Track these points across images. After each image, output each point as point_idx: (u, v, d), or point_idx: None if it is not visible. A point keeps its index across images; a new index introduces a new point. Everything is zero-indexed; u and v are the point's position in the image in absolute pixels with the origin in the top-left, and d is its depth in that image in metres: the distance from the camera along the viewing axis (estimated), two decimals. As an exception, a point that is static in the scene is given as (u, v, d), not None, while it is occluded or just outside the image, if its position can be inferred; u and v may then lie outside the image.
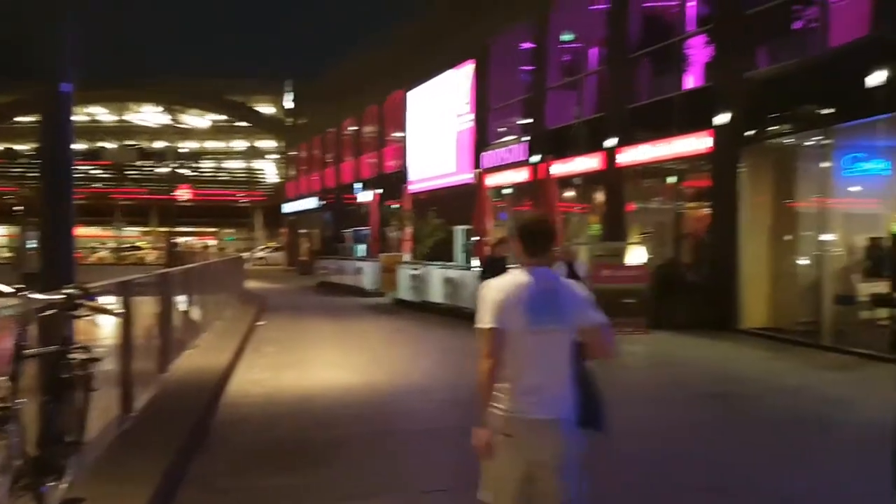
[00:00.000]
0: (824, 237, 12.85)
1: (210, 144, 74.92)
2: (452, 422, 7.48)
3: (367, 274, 24.28)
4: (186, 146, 71.20)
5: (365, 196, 33.84)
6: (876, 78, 11.06)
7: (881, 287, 12.42)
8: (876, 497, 5.27)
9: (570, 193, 21.42)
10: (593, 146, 19.07)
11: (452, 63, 26.86)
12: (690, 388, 9.36)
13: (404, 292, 20.91)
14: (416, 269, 20.56)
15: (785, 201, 14.40)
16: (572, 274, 10.73)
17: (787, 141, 14.04)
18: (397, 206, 27.01)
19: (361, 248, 30.50)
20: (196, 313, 11.60)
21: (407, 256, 23.24)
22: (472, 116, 25.86)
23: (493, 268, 10.54)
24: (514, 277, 3.45)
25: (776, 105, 13.78)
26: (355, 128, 39.96)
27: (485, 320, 3.33)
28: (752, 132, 14.25)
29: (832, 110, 12.38)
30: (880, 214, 13.22)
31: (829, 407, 8.35)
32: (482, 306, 3.38)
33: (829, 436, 7.16)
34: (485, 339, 3.32)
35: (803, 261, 13.87)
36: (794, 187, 14.15)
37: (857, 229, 13.47)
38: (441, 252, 23.35)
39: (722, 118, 14.74)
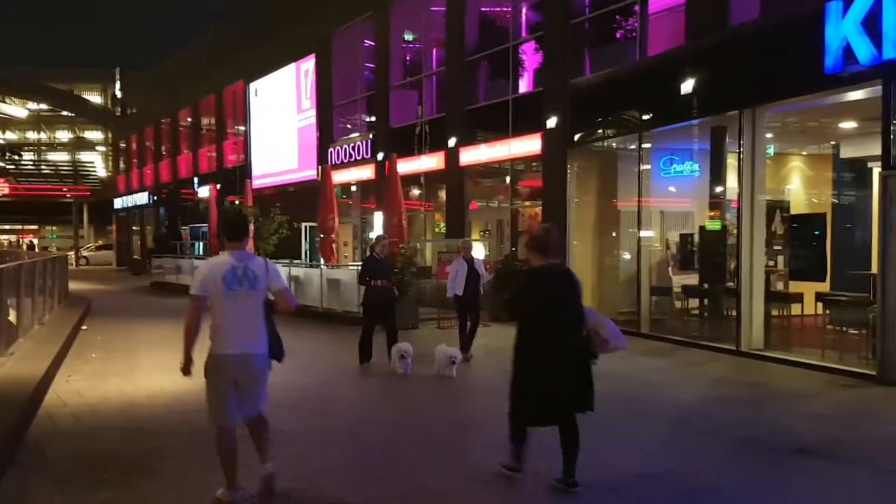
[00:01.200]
0: (643, 234, 13.90)
1: (32, 135, 68.66)
2: (288, 425, 7.42)
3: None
4: (4, 137, 64.88)
5: (204, 191, 32.48)
6: (688, 86, 12.14)
7: (691, 279, 13.71)
8: (675, 470, 5.87)
9: (416, 191, 21.75)
10: (436, 145, 19.52)
11: (294, 56, 26.39)
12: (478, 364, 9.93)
13: (247, 291, 20.27)
14: (258, 267, 19.98)
15: (608, 200, 15.46)
16: (471, 267, 10.74)
17: (609, 144, 15.07)
18: (238, 202, 26.14)
19: (200, 246, 29.26)
20: (11, 318, 10.69)
21: (249, 254, 22.61)
22: (315, 112, 25.58)
23: (372, 267, 10.59)
24: (220, 258, 5.10)
25: (600, 110, 14.74)
26: (192, 119, 38.20)
27: (193, 289, 5.01)
28: (579, 135, 15.17)
29: (649, 115, 13.45)
30: (692, 212, 14.52)
31: (642, 390, 9.07)
32: (194, 280, 5.07)
33: (639, 416, 7.80)
34: (191, 302, 5.02)
35: (625, 255, 14.97)
36: (616, 187, 15.20)
37: (672, 226, 14.71)
38: (286, 250, 22.95)
39: (551, 122, 15.58)
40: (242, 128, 31.90)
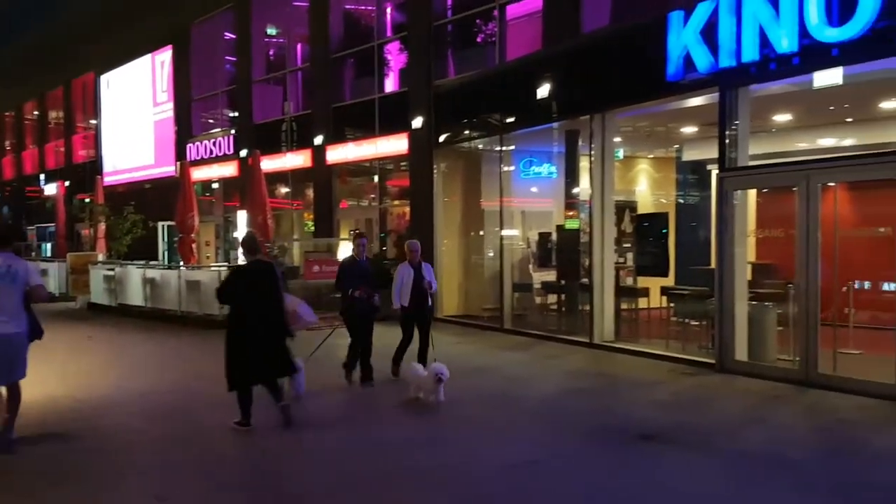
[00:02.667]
0: (506, 232, 14.32)
1: None
2: (136, 435, 7.10)
3: (54, 276, 21.70)
4: None
5: (51, 188, 30.24)
6: (544, 90, 12.60)
7: (551, 276, 14.28)
8: (536, 460, 6.10)
9: (283, 189, 21.28)
10: (303, 143, 19.18)
11: (149, 47, 25.10)
12: (389, 375, 9.87)
13: (99, 295, 19.12)
14: (111, 269, 18.89)
15: (473, 200, 15.80)
16: (418, 273, 9.29)
17: (473, 145, 15.40)
18: (89, 199, 24.56)
19: (48, 248, 27.23)
20: None
21: (101, 256, 21.36)
22: (172, 105, 24.45)
23: (351, 272, 9.08)
24: None
25: (463, 111, 15.04)
26: (39, 112, 35.46)
27: None
28: (444, 136, 15.41)
29: (509, 118, 13.85)
30: (551, 212, 15.11)
31: (506, 383, 9.36)
32: None
33: (503, 408, 8.04)
34: None
35: (489, 254, 15.36)
36: (480, 188, 15.56)
37: (532, 225, 15.25)
38: (142, 250, 21.82)
39: (417, 122, 15.71)
40: (94, 121, 29.96)
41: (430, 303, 9.46)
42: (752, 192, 11.33)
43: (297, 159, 19.42)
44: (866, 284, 10.10)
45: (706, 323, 10.65)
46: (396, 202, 17.94)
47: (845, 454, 6.25)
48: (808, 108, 11.48)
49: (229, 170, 21.97)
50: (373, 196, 18.66)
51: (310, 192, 19.87)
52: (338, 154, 18.18)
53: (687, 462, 6.09)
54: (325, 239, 18.22)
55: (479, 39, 14.44)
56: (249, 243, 7.41)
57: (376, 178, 18.22)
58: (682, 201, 15.99)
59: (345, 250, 16.86)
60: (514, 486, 5.55)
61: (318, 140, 18.57)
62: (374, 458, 6.25)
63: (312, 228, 19.85)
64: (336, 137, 18.22)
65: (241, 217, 19.40)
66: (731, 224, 9.67)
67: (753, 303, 10.00)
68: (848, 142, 12.29)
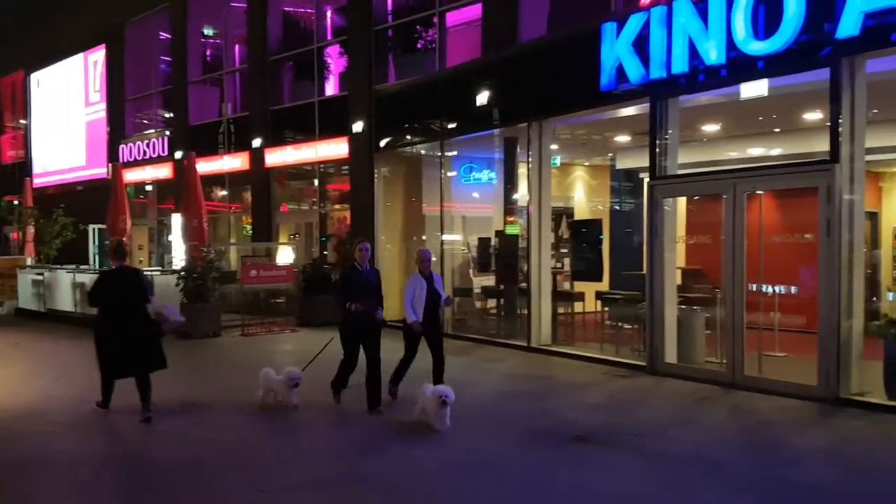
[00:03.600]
0: (446, 237, 14.40)
1: None
2: (69, 446, 6.88)
3: (-22, 281, 20.77)
4: None
5: (-26, 190, 28.99)
6: (483, 97, 12.72)
7: (490, 280, 14.42)
8: (469, 462, 6.15)
9: (220, 192, 20.91)
10: (240, 145, 18.89)
11: (82, 46, 24.35)
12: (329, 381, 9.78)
13: (27, 301, 18.42)
14: (40, 273, 18.22)
15: (415, 205, 15.82)
16: (430, 284, 8.21)
17: (414, 150, 15.43)
18: (18, 202, 23.64)
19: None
20: None
21: (30, 260, 20.60)
22: (105, 106, 23.77)
23: (353, 282, 7.92)
24: None
25: (404, 116, 15.07)
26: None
27: None
28: (385, 141, 15.40)
29: (450, 124, 13.94)
30: (491, 217, 15.25)
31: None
32: None
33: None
34: None
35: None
36: (421, 192, 15.60)
37: (473, 230, 15.37)
38: (72, 254, 21.13)
39: (357, 126, 15.66)
40: (24, 121, 28.89)
41: (441, 318, 8.62)
42: (683, 200, 11.67)
43: (234, 162, 19.11)
44: (793, 289, 10.50)
45: (638, 326, 10.91)
46: (337, 206, 17.82)
47: (767, 454, 6.49)
48: (737, 118, 11.90)
49: (164, 172, 21.47)
50: (313, 200, 18.49)
51: (248, 196, 19.57)
52: (277, 157, 17.96)
53: (616, 463, 6.23)
54: (264, 243, 17.98)
55: (419, 45, 14.50)
56: (117, 250, 8.01)
57: (316, 182, 18.07)
58: (617, 208, 16.37)
59: (284, 255, 16.69)
60: (448, 488, 5.59)
61: (257, 143, 18.31)
62: (310, 464, 6.21)
63: (250, 232, 19.55)
64: (275, 140, 18.01)
65: (176, 220, 18.95)
66: (661, 230, 9.94)
67: (683, 307, 10.30)
68: (775, 151, 12.78)
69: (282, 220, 19.16)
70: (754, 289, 9.72)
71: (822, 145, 8.26)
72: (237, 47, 20.34)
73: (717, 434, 7.18)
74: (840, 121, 7.96)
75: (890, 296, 11.76)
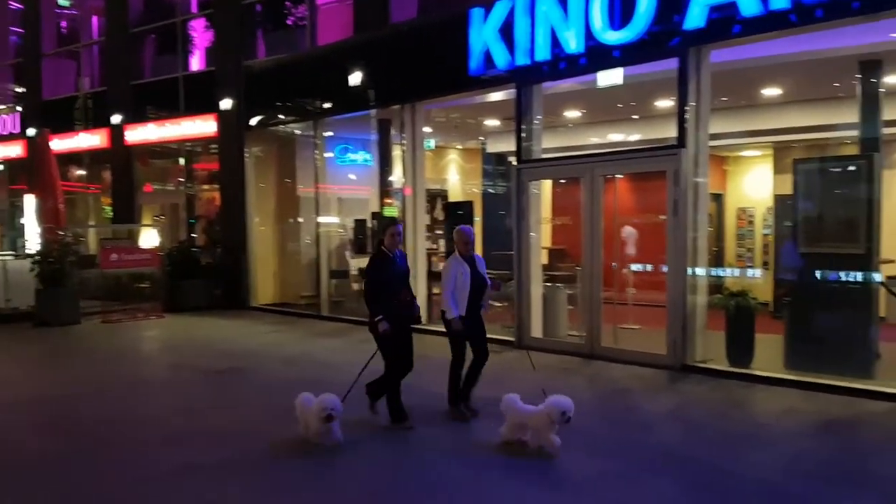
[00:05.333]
0: (322, 219, 14.29)
1: None
2: None
3: None
4: None
5: None
6: (356, 78, 12.68)
7: (366, 262, 14.45)
8: (352, 441, 6.23)
9: (78, 172, 19.68)
10: (99, 122, 17.86)
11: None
12: (203, 367, 9.57)
13: None
14: None
15: (289, 186, 15.58)
16: (474, 269, 6.89)
17: (286, 129, 15.16)
18: None
19: None
20: None
21: None
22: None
23: (385, 269, 6.59)
24: None
25: (275, 94, 14.74)
26: None
27: None
28: (256, 119, 15.03)
29: (323, 104, 13.80)
30: (367, 199, 15.27)
31: (323, 369, 9.41)
32: None
33: (319, 393, 8.06)
34: None
35: (306, 241, 15.25)
36: (295, 173, 15.37)
37: (349, 212, 15.33)
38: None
39: (225, 103, 15.18)
40: None
41: (485, 309, 7.19)
42: (548, 183, 12.20)
43: (92, 139, 18.06)
44: (648, 266, 11.24)
45: (508, 304, 11.34)
46: (205, 186, 17.24)
47: (621, 419, 6.99)
48: (597, 105, 12.52)
49: (15, 150, 19.97)
50: (179, 180, 17.79)
51: (107, 175, 18.57)
52: (139, 134, 17.11)
53: (485, 431, 6.50)
54: (126, 225, 17.13)
55: (289, 22, 14.19)
56: None
57: (183, 161, 17.38)
58: (490, 191, 16.82)
59: (148, 237, 15.99)
60: (316, 469, 5.65)
61: (117, 119, 17.37)
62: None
63: (111, 214, 18.58)
64: (137, 117, 17.14)
65: (30, 201, 17.70)
66: (527, 212, 10.36)
67: (548, 284, 10.80)
68: (634, 137, 13.56)
69: (145, 200, 18.32)
70: (614, 266, 10.37)
71: (674, 131, 8.86)
72: (95, 19, 19.12)
73: (576, 402, 7.62)
74: (687, 108, 8.58)
75: (750, 273, 12.71)
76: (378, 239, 6.76)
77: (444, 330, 7.00)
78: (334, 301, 14.36)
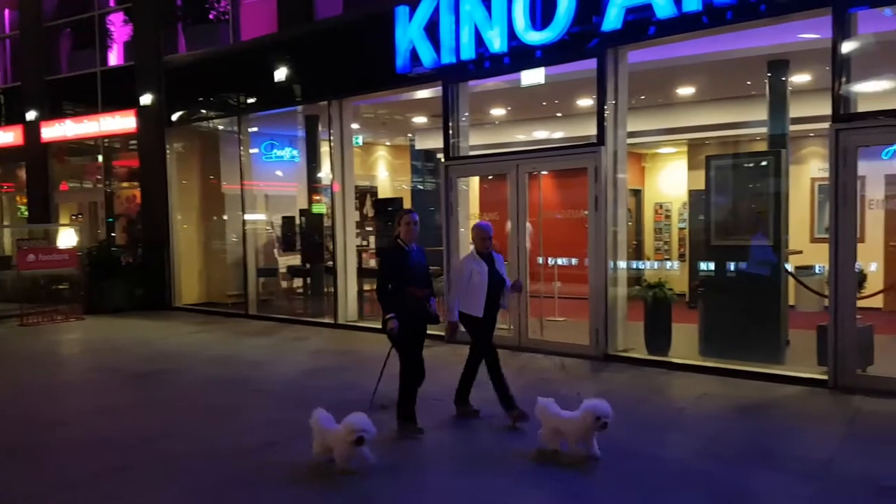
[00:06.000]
0: (248, 216, 14.09)
1: None
2: None
3: None
4: None
5: None
6: (281, 73, 12.55)
7: (296, 259, 14.37)
8: (275, 442, 6.21)
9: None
10: (12, 118, 17.13)
11: None
12: (125, 370, 9.33)
13: None
14: None
15: (213, 183, 15.29)
16: (491, 268, 6.45)
17: (210, 125, 14.87)
18: None
19: None
20: None
21: None
22: None
23: (401, 263, 6.18)
24: None
25: (198, 90, 14.44)
26: None
27: None
28: (177, 115, 14.69)
29: (248, 99, 13.60)
30: (294, 196, 15.15)
31: (251, 369, 9.32)
32: None
33: (248, 394, 8.02)
34: None
35: (232, 238, 15.02)
36: (220, 170, 15.10)
37: (276, 209, 15.19)
38: None
39: (145, 98, 14.79)
40: None
41: (503, 307, 6.79)
42: (476, 179, 12.36)
43: (6, 136, 17.31)
44: (573, 260, 11.56)
45: (438, 299, 11.44)
46: (126, 184, 16.74)
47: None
48: (523, 103, 12.78)
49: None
50: (98, 177, 17.21)
51: (22, 174, 17.80)
52: (55, 131, 16.48)
53: (506, 436, 6.56)
54: (42, 225, 16.48)
55: (211, 16, 13.89)
56: None
57: (101, 158, 16.82)
58: (420, 187, 16.92)
59: (66, 237, 15.44)
60: (247, 468, 5.64)
61: (31, 116, 16.68)
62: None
63: (26, 214, 17.83)
64: (53, 113, 16.50)
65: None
66: (455, 208, 10.51)
67: (478, 279, 10.95)
68: (558, 135, 13.89)
69: (62, 199, 17.66)
70: (545, 261, 10.62)
71: (594, 129, 9.14)
72: (7, 12, 18.28)
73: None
74: (606, 107, 8.87)
75: (668, 265, 13.19)
76: (395, 232, 6.25)
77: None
78: (262, 300, 14.21)
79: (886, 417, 6.50)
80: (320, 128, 13.32)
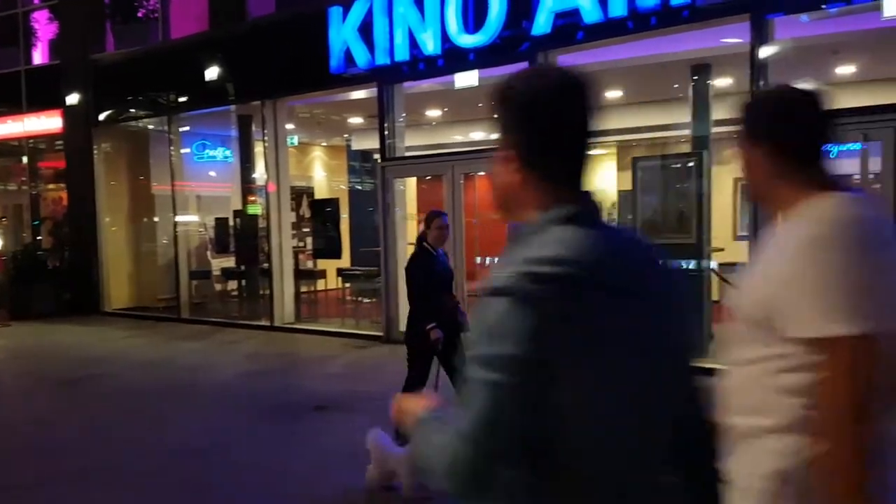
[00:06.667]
0: (180, 218, 13.82)
1: None
2: None
3: None
4: None
5: None
6: (213, 72, 12.36)
7: (230, 261, 14.16)
8: (216, 444, 6.16)
9: None
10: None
11: None
12: (54, 377, 9.07)
13: None
14: None
15: (143, 184, 14.94)
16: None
17: (140, 125, 14.51)
18: None
19: None
20: None
21: None
22: None
23: (430, 269, 5.67)
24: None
25: (127, 89, 14.05)
26: None
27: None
28: (105, 114, 14.28)
29: (178, 99, 13.33)
30: (228, 197, 14.92)
31: (184, 374, 9.18)
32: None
33: (182, 399, 7.90)
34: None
35: (163, 241, 14.69)
36: (150, 170, 14.76)
37: (209, 210, 14.92)
38: None
39: (72, 98, 14.34)
40: None
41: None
42: (413, 180, 12.43)
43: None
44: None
45: (376, 300, 11.51)
46: (52, 186, 16.20)
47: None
48: (460, 105, 12.90)
49: None
50: (22, 179, 16.60)
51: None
52: (-24, 132, 15.83)
53: (353, 424, 6.62)
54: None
55: (140, 14, 13.57)
56: None
57: (26, 160, 16.23)
58: (359, 188, 16.91)
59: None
60: (177, 471, 5.59)
61: (-49, 114, 15.96)
62: None
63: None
64: (-27, 113, 15.84)
65: None
66: (393, 209, 10.57)
67: (415, 279, 11.05)
68: (495, 136, 14.06)
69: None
70: (481, 262, 10.79)
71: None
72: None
73: (445, 390, 7.94)
74: (538, 109, 9.05)
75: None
76: (420, 234, 5.77)
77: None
78: (196, 303, 13.96)
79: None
80: (254, 128, 13.16)
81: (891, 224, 1.56)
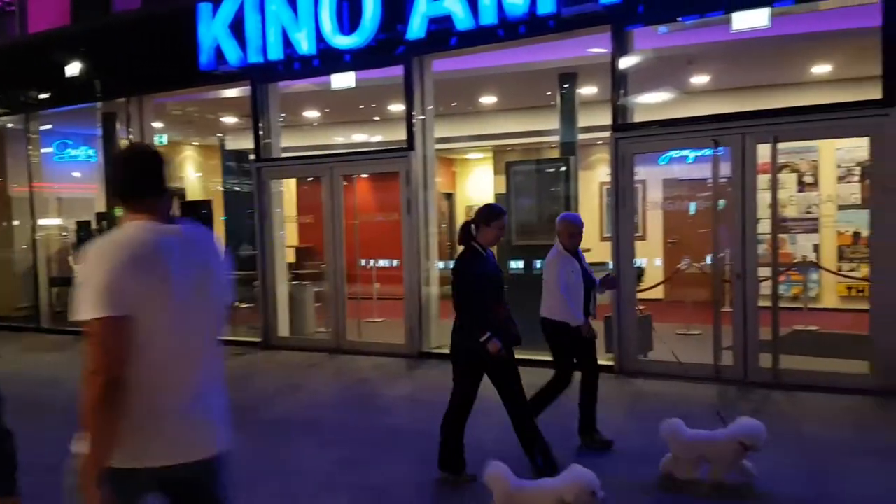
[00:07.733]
0: (39, 222, 12.97)
1: None
2: None
3: None
4: None
5: None
6: (74, 68, 11.66)
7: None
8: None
9: None
10: None
11: None
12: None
13: None
14: None
15: (-2, 185, 13.93)
16: (583, 269, 5.58)
17: (-5, 123, 13.54)
18: None
19: None
20: None
21: None
22: None
23: (484, 273, 4.85)
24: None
25: (-21, 85, 13.08)
26: None
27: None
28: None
29: (37, 96, 12.50)
30: (91, 198, 14.11)
31: (44, 388, 8.59)
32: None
33: (43, 415, 7.39)
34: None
35: (21, 246, 13.74)
36: (6, 171, 13.79)
37: (72, 213, 14.06)
38: None
39: None
40: None
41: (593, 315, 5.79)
42: (293, 181, 12.21)
43: None
44: (394, 262, 11.76)
45: (254, 305, 11.23)
46: None
47: (363, 407, 7.32)
48: (339, 106, 12.83)
49: None
50: None
51: None
52: None
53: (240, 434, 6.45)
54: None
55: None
56: None
57: None
58: (236, 189, 16.36)
59: None
60: (28, 487, 5.24)
61: None
62: None
63: None
64: None
65: None
66: (269, 211, 10.35)
67: (294, 283, 10.90)
68: (377, 138, 14.07)
69: None
70: (364, 264, 10.73)
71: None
72: None
73: (321, 396, 7.86)
74: (414, 112, 9.16)
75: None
76: (464, 231, 4.91)
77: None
78: (57, 311, 13.12)
79: (661, 396, 7.28)
80: (118, 126, 12.52)
81: (172, 243, 2.24)
